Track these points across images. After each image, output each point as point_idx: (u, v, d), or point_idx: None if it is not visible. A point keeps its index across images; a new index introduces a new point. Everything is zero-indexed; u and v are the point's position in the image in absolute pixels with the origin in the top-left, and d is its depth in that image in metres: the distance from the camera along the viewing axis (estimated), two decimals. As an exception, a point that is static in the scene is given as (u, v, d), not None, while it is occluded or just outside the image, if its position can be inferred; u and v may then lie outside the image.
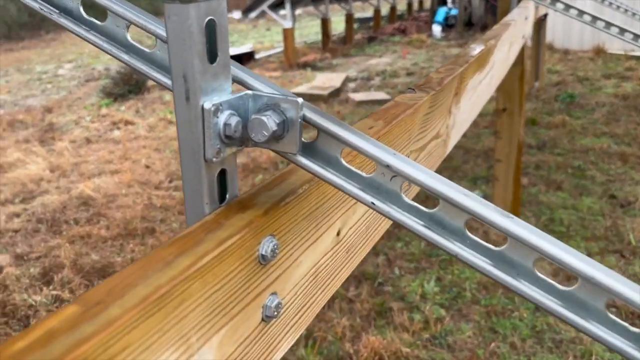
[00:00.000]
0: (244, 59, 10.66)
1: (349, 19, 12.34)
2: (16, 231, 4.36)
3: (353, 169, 0.52)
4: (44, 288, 3.41)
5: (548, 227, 3.68)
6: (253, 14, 10.33)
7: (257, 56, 11.35)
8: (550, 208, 3.94)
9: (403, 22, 14.34)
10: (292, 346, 2.28)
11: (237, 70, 0.53)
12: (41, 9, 0.59)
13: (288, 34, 9.83)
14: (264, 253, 0.50)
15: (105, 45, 0.57)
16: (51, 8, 0.59)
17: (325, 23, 11.54)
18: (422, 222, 0.50)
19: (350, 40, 12.34)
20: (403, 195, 0.52)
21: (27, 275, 3.63)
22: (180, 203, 4.53)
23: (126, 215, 4.42)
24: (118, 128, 6.88)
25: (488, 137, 5.40)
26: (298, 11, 20.88)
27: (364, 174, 0.52)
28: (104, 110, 7.68)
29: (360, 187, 0.52)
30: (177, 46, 0.44)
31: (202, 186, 0.49)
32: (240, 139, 0.50)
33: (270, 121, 0.49)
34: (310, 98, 7.52)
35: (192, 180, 0.49)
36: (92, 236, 4.11)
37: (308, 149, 0.53)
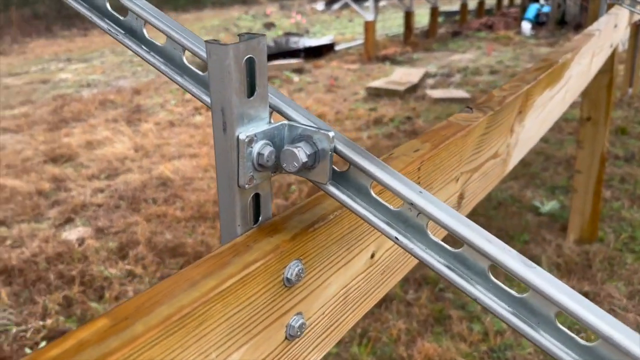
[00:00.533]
0: (324, 50, 10.73)
1: (434, 12, 12.06)
2: (99, 206, 4.68)
3: (381, 200, 0.53)
4: (120, 262, 3.66)
5: (628, 245, 3.46)
6: (336, 6, 10.35)
7: (337, 48, 11.38)
8: (632, 225, 3.70)
9: (491, 17, 13.81)
10: (346, 342, 2.30)
11: (277, 100, 0.56)
12: (109, 30, 0.64)
13: (369, 27, 9.77)
14: (289, 277, 0.53)
15: (163, 67, 0.62)
16: (118, 29, 0.64)
17: (408, 16, 11.36)
18: (444, 261, 0.51)
19: (434, 34, 12.07)
20: (429, 232, 0.52)
21: (106, 248, 3.90)
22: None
23: (200, 199, 4.62)
24: (200, 114, 7.17)
25: (571, 144, 5.13)
26: (383, 3, 20.67)
27: (391, 207, 0.53)
28: (187, 96, 8.02)
29: (386, 220, 0.53)
30: (217, 83, 0.47)
31: (235, 209, 0.53)
32: (273, 166, 0.53)
33: (302, 153, 0.51)
34: (385, 93, 7.46)
35: (227, 204, 0.53)
36: (168, 216, 4.35)
37: (340, 178, 0.55)
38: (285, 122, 0.54)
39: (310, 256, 0.56)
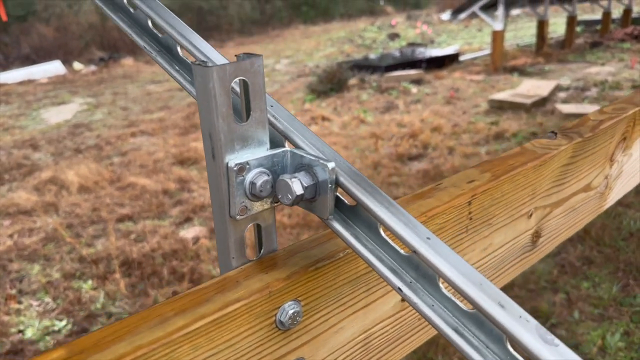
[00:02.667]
0: (447, 61, 10.43)
1: (571, 21, 11.18)
2: (216, 207, 4.96)
3: (391, 242, 0.47)
4: (227, 263, 3.83)
5: None
6: (462, 15, 10.02)
7: (461, 58, 11.00)
8: None
9: (638, 26, 12.47)
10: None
11: (286, 124, 0.51)
12: (145, 48, 0.64)
13: (497, 37, 9.32)
14: (281, 319, 0.48)
15: (189, 87, 0.60)
16: (153, 46, 0.64)
17: (541, 25, 10.65)
18: (453, 322, 0.43)
19: (570, 44, 11.19)
20: (441, 285, 0.44)
21: (216, 248, 4.11)
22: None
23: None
24: (315, 123, 7.33)
25: None
26: (516, 12, 19.66)
27: (402, 251, 0.46)
28: (307, 105, 8.25)
29: (393, 267, 0.46)
30: (203, 106, 0.44)
31: (228, 241, 0.49)
32: (270, 196, 0.48)
33: (297, 184, 0.46)
34: (510, 106, 7.04)
35: (221, 234, 0.49)
36: (277, 222, 4.47)
37: (350, 212, 0.49)
38: (289, 149, 0.49)
39: (313, 297, 0.51)
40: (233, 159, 0.46)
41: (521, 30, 15.74)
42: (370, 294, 0.57)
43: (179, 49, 0.63)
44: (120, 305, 3.36)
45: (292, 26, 20.53)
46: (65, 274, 3.74)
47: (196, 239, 4.31)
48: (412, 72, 9.47)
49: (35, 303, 3.45)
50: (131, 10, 0.68)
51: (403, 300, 0.62)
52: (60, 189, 5.35)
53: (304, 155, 0.48)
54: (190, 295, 0.46)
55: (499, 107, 7.13)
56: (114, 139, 7.10)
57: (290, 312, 0.48)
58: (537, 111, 6.92)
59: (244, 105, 0.47)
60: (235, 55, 0.46)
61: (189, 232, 4.48)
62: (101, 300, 3.42)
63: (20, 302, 3.46)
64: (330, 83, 8.63)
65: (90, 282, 3.64)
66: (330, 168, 0.46)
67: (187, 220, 4.72)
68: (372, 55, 12.25)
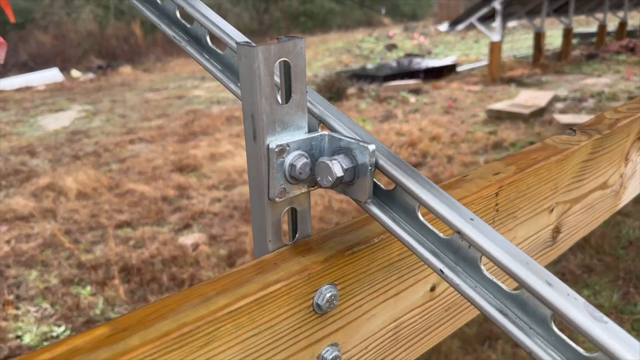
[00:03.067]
0: (445, 71, 10.49)
1: (568, 33, 11.29)
2: (215, 214, 4.94)
3: (429, 226, 0.47)
4: (227, 269, 3.81)
5: None
6: (460, 27, 10.10)
7: (459, 69, 11.07)
8: None
9: (633, 39, 12.60)
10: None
11: (322, 109, 0.51)
12: (174, 37, 0.64)
13: (494, 48, 9.39)
14: (319, 302, 0.48)
15: (219, 75, 0.60)
16: (182, 36, 0.64)
17: (538, 37, 10.74)
18: (497, 303, 0.43)
19: (566, 56, 11.29)
20: (482, 267, 0.44)
21: (216, 255, 4.09)
22: (356, 209, 4.65)
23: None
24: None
25: None
26: (513, 24, 19.82)
27: (441, 235, 0.46)
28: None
29: (433, 249, 0.46)
30: (246, 87, 0.44)
31: (266, 224, 0.49)
32: (308, 179, 0.49)
33: (337, 166, 0.46)
34: (508, 116, 7.08)
35: (258, 217, 0.49)
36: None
37: (386, 197, 0.49)
38: (326, 132, 0.49)
39: (348, 282, 0.51)
40: (274, 141, 0.46)
41: (518, 42, 15.87)
42: (402, 281, 0.57)
43: (207, 38, 0.64)
44: (120, 311, 3.33)
45: (289, 36, 20.60)
46: (63, 280, 3.71)
47: (195, 246, 4.29)
48: (411, 82, 9.52)
49: (33, 309, 3.42)
50: (159, 1, 0.68)
51: (432, 290, 0.62)
52: (58, 195, 5.32)
53: (343, 138, 0.48)
54: (230, 277, 0.46)
55: (497, 117, 7.16)
56: (112, 146, 7.09)
57: (328, 295, 0.48)
58: (535, 121, 6.96)
59: (284, 88, 0.47)
60: (277, 38, 0.47)
61: (188, 239, 4.46)
62: (100, 306, 3.40)
63: (18, 308, 3.43)
64: (329, 92, 8.66)
65: (89, 288, 3.61)
66: (370, 150, 0.46)
67: (187, 226, 4.70)
68: (370, 66, 12.32)
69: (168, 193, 5.37)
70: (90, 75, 13.66)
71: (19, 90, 12.18)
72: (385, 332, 0.57)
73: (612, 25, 14.47)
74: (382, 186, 0.49)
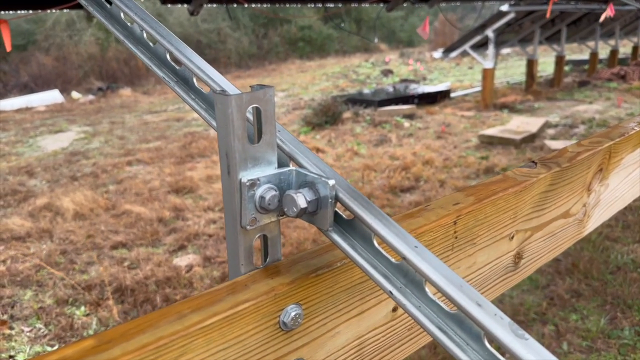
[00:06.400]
0: (439, 97, 10.65)
1: (560, 60, 11.51)
2: (210, 236, 4.99)
3: (383, 252, 0.53)
4: (220, 292, 3.84)
5: None
6: (454, 54, 10.29)
7: (452, 95, 11.23)
8: None
9: (624, 67, 12.83)
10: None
11: (292, 147, 0.58)
12: (163, 78, 0.71)
13: (487, 74, 9.56)
14: (285, 320, 0.54)
15: (203, 113, 0.67)
16: (171, 77, 0.71)
17: (531, 64, 10.94)
18: (438, 322, 0.49)
19: (559, 83, 11.48)
20: (427, 289, 0.50)
21: (210, 276, 4.13)
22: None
23: (300, 236, 4.74)
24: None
25: None
26: (506, 50, 20.15)
27: (392, 260, 0.52)
28: (301, 137, 8.37)
29: (385, 273, 0.52)
30: (222, 129, 0.51)
31: (238, 249, 0.55)
32: (277, 210, 0.55)
33: (301, 198, 0.52)
34: (499, 142, 7.18)
35: (232, 243, 0.55)
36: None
37: (347, 225, 0.55)
38: (294, 168, 0.55)
39: (313, 302, 0.57)
40: (246, 176, 0.52)
41: (511, 69, 16.13)
42: (364, 302, 0.63)
43: (194, 79, 0.70)
44: (112, 332, 3.35)
45: (288, 61, 20.92)
46: (57, 300, 3.74)
47: (190, 267, 4.33)
48: (405, 107, 9.66)
49: (26, 329, 3.44)
50: (151, 44, 0.75)
51: (394, 310, 0.68)
52: (55, 216, 5.36)
53: (308, 173, 0.54)
54: (204, 296, 0.52)
55: (489, 142, 7.27)
56: (110, 167, 7.15)
57: (293, 314, 0.54)
58: (526, 147, 7.06)
59: (257, 129, 0.53)
60: (250, 86, 0.53)
61: (182, 260, 4.50)
62: (94, 326, 3.42)
63: (11, 328, 3.45)
64: (325, 116, 8.78)
65: (83, 308, 3.63)
66: (330, 185, 0.52)
67: (181, 248, 4.74)
68: (366, 90, 12.49)
69: (164, 214, 5.42)
70: (90, 97, 13.80)
71: (19, 110, 12.29)
72: (349, 349, 0.63)
73: (603, 53, 14.74)
74: (343, 216, 0.55)
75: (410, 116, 9.21)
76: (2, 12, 3.48)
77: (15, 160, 7.87)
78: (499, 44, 10.14)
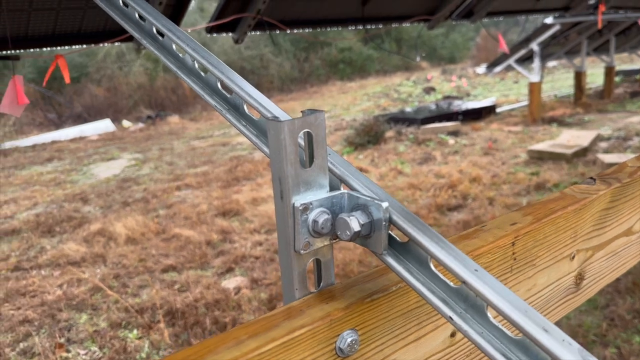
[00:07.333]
0: (484, 113, 10.47)
1: (609, 71, 11.14)
2: (257, 258, 5.03)
3: (441, 275, 0.51)
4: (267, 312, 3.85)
5: None
6: (498, 69, 10.13)
7: (498, 110, 11.03)
8: None
9: (682, 74, 12.30)
10: None
11: (343, 170, 0.58)
12: (215, 106, 0.73)
13: (534, 88, 9.35)
14: (341, 346, 0.53)
15: (254, 139, 0.68)
16: (223, 105, 0.73)
17: (579, 76, 10.64)
18: (501, 348, 0.47)
19: (609, 94, 11.09)
20: (489, 314, 0.48)
21: (257, 298, 4.15)
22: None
23: (346, 257, 4.71)
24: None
25: None
26: (553, 63, 19.68)
27: (451, 284, 0.51)
28: (345, 157, 8.38)
29: (443, 297, 0.50)
30: (274, 154, 0.51)
31: (292, 274, 0.55)
32: (330, 233, 0.54)
33: (354, 222, 0.52)
34: (550, 157, 6.98)
35: (286, 268, 0.55)
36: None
37: (402, 248, 0.54)
38: (346, 191, 0.55)
39: (369, 327, 0.56)
40: (299, 200, 0.52)
41: (558, 82, 15.72)
42: (421, 327, 0.61)
43: (245, 106, 0.72)
44: (164, 354, 3.40)
45: (329, 83, 21.11)
46: (111, 323, 3.84)
47: (238, 289, 4.36)
48: (449, 124, 9.54)
49: (82, 352, 3.54)
50: (202, 74, 0.77)
51: (452, 335, 0.66)
52: (108, 241, 5.54)
53: (360, 196, 0.54)
54: (260, 322, 0.52)
55: (539, 157, 7.07)
56: (160, 193, 7.35)
57: (349, 340, 0.53)
58: (578, 161, 6.82)
59: (308, 154, 0.53)
60: (301, 112, 0.54)
61: (230, 283, 4.54)
62: (146, 349, 3.48)
63: (68, 351, 3.55)
64: (368, 135, 8.78)
65: (135, 331, 3.71)
66: (384, 207, 0.51)
67: (229, 270, 4.79)
68: (408, 109, 12.43)
69: (212, 237, 5.51)
70: (140, 125, 14.31)
71: (73, 140, 12.87)
72: (407, 375, 0.61)
73: (657, 61, 14.17)
74: (397, 238, 0.55)
75: (454, 133, 9.09)
76: (59, 48, 3.67)
77: (70, 187, 8.21)
78: (545, 57, 9.91)
